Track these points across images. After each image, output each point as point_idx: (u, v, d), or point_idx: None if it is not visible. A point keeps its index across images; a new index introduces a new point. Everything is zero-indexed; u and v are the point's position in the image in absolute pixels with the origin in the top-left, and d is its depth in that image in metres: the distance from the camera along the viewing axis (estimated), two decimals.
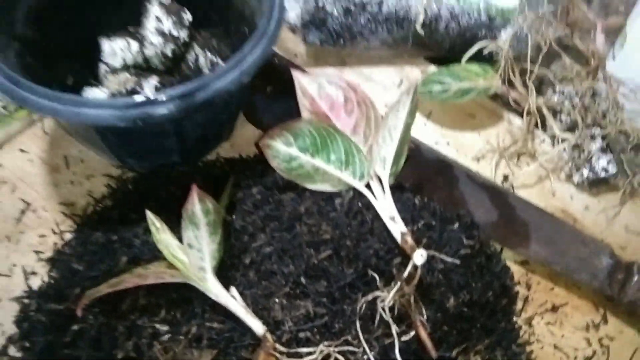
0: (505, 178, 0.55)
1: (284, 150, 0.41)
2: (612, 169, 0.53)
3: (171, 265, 0.38)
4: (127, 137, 0.40)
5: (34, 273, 0.46)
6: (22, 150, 0.52)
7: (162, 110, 0.35)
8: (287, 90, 0.47)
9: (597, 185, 0.55)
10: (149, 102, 0.35)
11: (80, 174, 0.51)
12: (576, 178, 0.55)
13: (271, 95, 0.53)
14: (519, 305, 0.48)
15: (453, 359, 0.44)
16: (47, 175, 0.51)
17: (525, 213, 0.51)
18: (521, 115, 0.57)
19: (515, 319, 0.47)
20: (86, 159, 0.52)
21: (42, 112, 0.37)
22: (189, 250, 0.37)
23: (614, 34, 0.58)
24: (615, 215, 0.54)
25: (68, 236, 0.48)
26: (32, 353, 0.42)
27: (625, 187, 0.54)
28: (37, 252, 0.47)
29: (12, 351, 0.42)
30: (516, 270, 0.50)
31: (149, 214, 0.38)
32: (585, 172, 0.54)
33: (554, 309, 0.49)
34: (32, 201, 0.49)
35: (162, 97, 0.35)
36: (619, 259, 0.48)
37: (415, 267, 0.38)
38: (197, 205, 0.35)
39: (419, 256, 0.38)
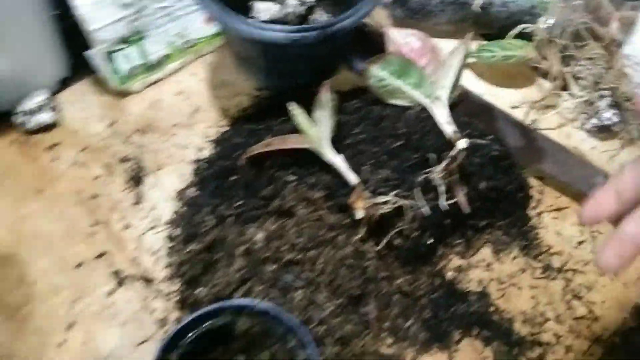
0: (533, 122, 0.74)
1: (377, 73, 0.63)
2: (615, 119, 0.72)
3: (302, 136, 0.60)
4: (279, 57, 0.63)
5: (202, 149, 0.69)
6: (192, 74, 0.76)
7: (310, 35, 0.57)
8: (374, 50, 0.68)
9: (603, 132, 0.73)
10: (302, 29, 0.57)
11: (231, 92, 0.75)
12: (587, 125, 0.73)
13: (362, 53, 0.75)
14: (532, 204, 0.67)
15: (480, 228, 0.64)
16: (210, 91, 0.75)
17: (544, 143, 0.70)
18: (549, 79, 0.76)
19: (528, 210, 0.66)
20: (236, 83, 0.75)
21: (242, 33, 0.59)
22: (315, 126, 0.59)
23: (628, 22, 0.77)
24: (614, 155, 0.72)
25: (225, 129, 0.71)
26: (204, 193, 0.65)
27: (624, 135, 0.72)
28: (204, 136, 0.70)
29: (190, 192, 0.66)
30: (533, 182, 0.69)
31: (290, 104, 0.61)
32: (594, 121, 0.73)
33: (559, 209, 0.67)
34: (200, 105, 0.73)
35: (309, 27, 0.57)
36: None
37: (458, 151, 0.58)
38: (326, 94, 0.57)
39: (463, 142, 0.58)
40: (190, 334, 0.46)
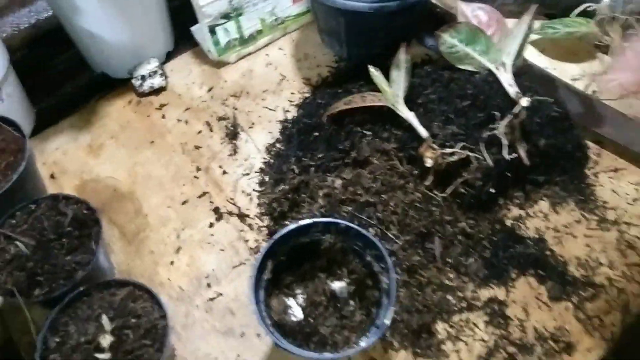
0: (594, 92, 0.79)
1: (449, 40, 0.70)
2: None
3: (380, 95, 0.68)
4: (360, 27, 0.72)
5: (288, 111, 0.79)
6: (279, 49, 0.86)
7: (392, 5, 0.66)
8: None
9: None
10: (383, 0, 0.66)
11: (313, 64, 0.84)
12: None
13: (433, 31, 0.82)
14: (590, 164, 0.72)
15: (539, 182, 0.70)
16: (294, 63, 0.84)
17: (604, 110, 0.75)
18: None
19: (585, 169, 0.71)
20: (317, 56, 0.85)
21: (329, 3, 0.68)
22: (392, 84, 0.67)
23: None
24: None
25: (307, 95, 0.80)
26: (290, 147, 0.74)
27: None
28: (290, 101, 0.80)
29: (278, 146, 0.75)
30: (592, 145, 0.74)
31: (370, 67, 0.69)
32: None
33: (616, 170, 0.72)
34: (286, 75, 0.83)
35: None
36: None
37: (521, 108, 0.65)
38: (402, 55, 0.65)
39: (525, 100, 0.64)
40: (283, 247, 0.55)
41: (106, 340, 0.50)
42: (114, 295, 0.54)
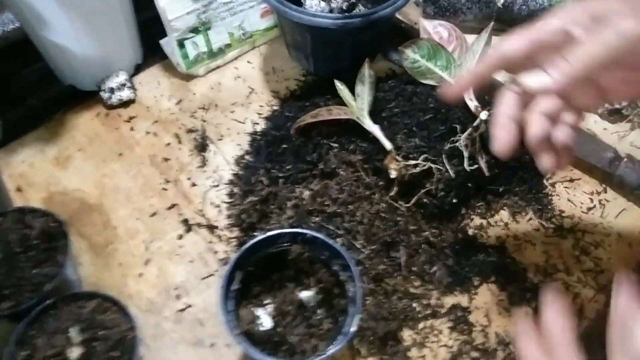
0: None
1: (412, 56, 0.73)
2: (624, 103, 0.80)
3: (346, 108, 0.70)
4: (326, 42, 0.74)
5: (257, 123, 0.80)
6: (248, 62, 0.88)
7: (355, 21, 0.68)
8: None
9: (613, 114, 0.81)
10: (347, 17, 0.68)
11: (281, 77, 0.86)
12: (600, 109, 0.82)
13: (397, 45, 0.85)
14: (547, 175, 0.75)
15: (499, 193, 0.73)
16: (262, 76, 0.86)
17: None
18: None
19: (543, 180, 0.75)
20: (285, 70, 0.86)
21: (295, 19, 0.70)
22: (357, 98, 0.70)
23: None
24: (624, 136, 0.80)
25: (276, 107, 0.81)
26: (259, 158, 0.75)
27: (633, 118, 0.80)
28: (258, 114, 0.81)
29: (247, 158, 0.76)
30: None
31: (336, 81, 0.71)
32: (607, 105, 0.81)
33: (571, 180, 0.75)
34: (255, 88, 0.84)
35: (354, 14, 0.68)
36: (619, 154, 0.75)
37: (480, 121, 0.68)
38: (366, 70, 0.68)
39: (484, 114, 0.67)
40: (251, 258, 0.56)
41: (75, 352, 0.51)
42: (82, 308, 0.54)
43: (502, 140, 0.49)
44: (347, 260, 0.54)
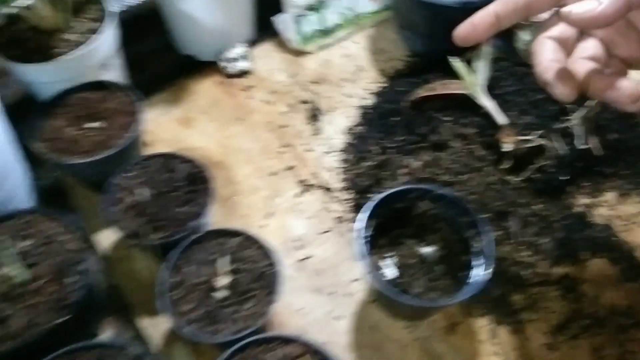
0: None
1: (524, 37, 0.76)
2: None
3: (461, 82, 0.74)
4: (442, 23, 0.77)
5: (365, 98, 0.84)
6: (356, 42, 0.92)
7: (475, 2, 0.71)
8: None
9: None
10: None
11: (387, 58, 0.90)
12: None
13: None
14: None
15: (607, 174, 0.74)
16: (370, 56, 0.90)
17: None
18: None
19: None
20: (391, 51, 0.90)
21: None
22: (472, 74, 0.73)
23: None
24: None
25: (384, 85, 0.85)
26: (370, 129, 0.79)
27: None
28: (367, 89, 0.85)
29: (358, 129, 0.80)
30: None
31: (451, 57, 0.74)
32: None
33: None
34: (363, 66, 0.88)
35: None
36: None
37: (595, 103, 0.70)
38: (486, 47, 0.71)
39: None
40: (379, 211, 0.60)
41: (222, 281, 0.55)
42: (225, 243, 0.59)
43: (557, 82, 0.43)
44: (474, 216, 0.57)
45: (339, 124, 0.80)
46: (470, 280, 0.56)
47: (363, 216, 0.58)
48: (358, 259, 0.55)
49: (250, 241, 0.59)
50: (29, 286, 0.53)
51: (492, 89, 0.75)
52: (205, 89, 0.85)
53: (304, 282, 0.65)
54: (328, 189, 0.74)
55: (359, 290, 0.65)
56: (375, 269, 0.59)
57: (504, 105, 0.74)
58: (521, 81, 0.75)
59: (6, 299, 0.52)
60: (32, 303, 0.52)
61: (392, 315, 0.63)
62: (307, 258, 0.67)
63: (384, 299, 0.60)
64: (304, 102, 0.83)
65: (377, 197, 0.59)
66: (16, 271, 0.52)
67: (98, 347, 0.49)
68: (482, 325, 0.63)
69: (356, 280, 0.66)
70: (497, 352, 0.61)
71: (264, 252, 0.58)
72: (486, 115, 0.73)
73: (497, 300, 0.64)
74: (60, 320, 0.50)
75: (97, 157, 0.63)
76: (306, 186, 0.74)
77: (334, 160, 0.77)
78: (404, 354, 0.60)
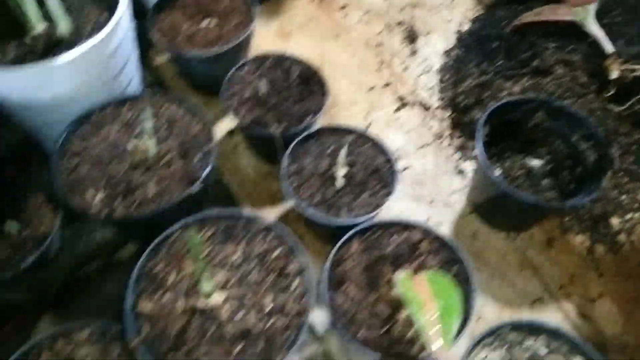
0: None
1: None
2: None
3: (570, 8, 0.73)
4: None
5: (462, 23, 0.84)
6: None
7: None
8: None
9: None
10: None
11: None
12: None
13: None
14: None
15: None
16: None
17: None
18: None
19: None
20: None
21: None
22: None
23: None
24: None
25: (481, 11, 0.85)
26: (468, 53, 0.79)
27: None
28: (464, 16, 0.85)
29: (456, 52, 0.80)
30: None
31: None
32: None
33: None
34: None
35: None
36: None
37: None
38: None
39: None
40: (494, 120, 0.61)
41: (341, 171, 0.57)
42: (340, 139, 0.60)
43: None
44: (592, 128, 0.58)
45: (436, 46, 0.80)
46: (588, 186, 0.56)
47: (480, 125, 0.58)
48: (481, 160, 0.56)
49: (363, 138, 0.60)
50: (159, 160, 0.55)
51: (600, 18, 0.74)
52: (301, 5, 0.86)
53: (405, 190, 0.67)
54: (426, 107, 0.74)
55: (458, 201, 0.66)
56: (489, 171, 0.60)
57: (610, 35, 0.73)
58: (630, 11, 0.74)
59: (142, 168, 0.54)
60: (162, 175, 0.54)
61: (491, 225, 0.65)
62: (406, 168, 0.69)
63: (489, 204, 0.61)
64: (400, 23, 0.83)
65: (491, 107, 0.59)
66: (150, 143, 0.54)
67: (230, 217, 0.51)
68: (579, 242, 0.64)
69: (454, 192, 0.67)
70: (595, 268, 0.62)
71: (378, 149, 0.59)
72: (592, 44, 0.73)
73: (597, 221, 0.65)
74: (193, 191, 0.52)
75: (213, 52, 0.64)
76: (404, 102, 0.75)
77: (432, 80, 0.77)
78: (503, 262, 0.62)
